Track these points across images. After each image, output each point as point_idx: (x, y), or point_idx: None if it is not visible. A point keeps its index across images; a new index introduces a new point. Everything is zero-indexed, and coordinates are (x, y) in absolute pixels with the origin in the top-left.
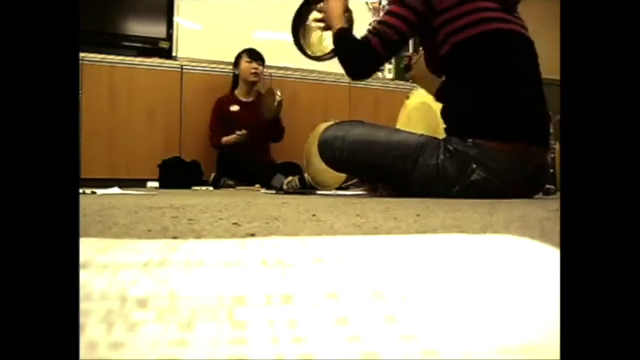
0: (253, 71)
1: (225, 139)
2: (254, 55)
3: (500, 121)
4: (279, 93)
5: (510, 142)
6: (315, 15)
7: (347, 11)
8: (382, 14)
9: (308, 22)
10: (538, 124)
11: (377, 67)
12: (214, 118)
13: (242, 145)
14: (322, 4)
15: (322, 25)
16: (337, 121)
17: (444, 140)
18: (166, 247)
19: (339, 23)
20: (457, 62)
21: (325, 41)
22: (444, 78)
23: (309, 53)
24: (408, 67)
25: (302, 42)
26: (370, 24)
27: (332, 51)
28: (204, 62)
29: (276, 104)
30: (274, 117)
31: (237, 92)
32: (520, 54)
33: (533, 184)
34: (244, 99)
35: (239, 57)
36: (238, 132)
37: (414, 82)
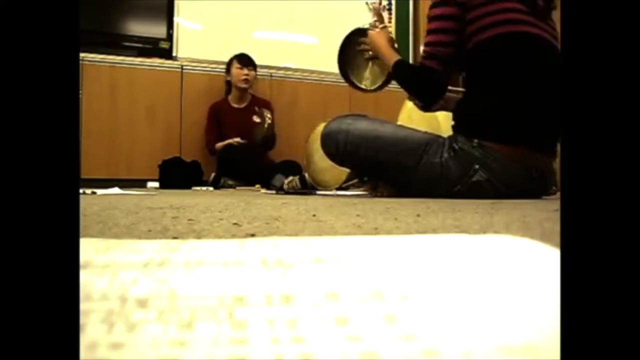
0: (243, 77)
1: (218, 145)
2: (244, 61)
3: (508, 124)
4: (268, 115)
5: (516, 146)
6: (360, 47)
7: (391, 41)
8: (381, 14)
9: (353, 58)
10: (547, 131)
11: (443, 85)
12: (209, 124)
13: (241, 146)
14: (363, 38)
15: (371, 55)
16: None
17: (449, 137)
18: (166, 247)
19: (391, 53)
20: (477, 60)
21: (375, 72)
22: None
23: (362, 87)
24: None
25: (352, 77)
26: (369, 24)
27: (385, 81)
28: (204, 62)
29: (266, 126)
30: (265, 137)
31: (230, 98)
32: (540, 60)
33: (536, 188)
34: (236, 105)
35: (229, 63)
36: (236, 140)
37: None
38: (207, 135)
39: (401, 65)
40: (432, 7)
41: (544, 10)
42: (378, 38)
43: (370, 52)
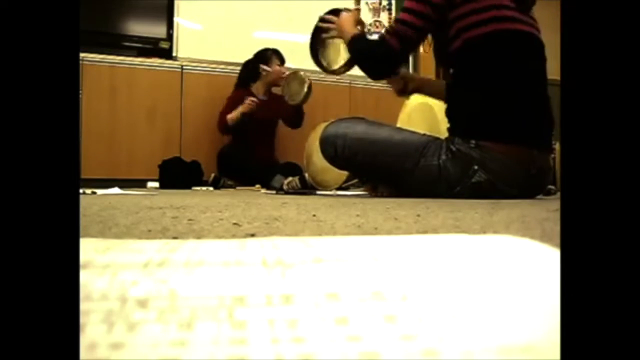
0: (283, 75)
1: (229, 116)
2: (283, 59)
3: (504, 123)
4: (305, 76)
5: (513, 145)
6: (324, 25)
7: (360, 23)
8: (382, 13)
9: (323, 40)
10: (542, 128)
11: (396, 63)
12: (228, 106)
13: (244, 144)
14: (330, 17)
15: (333, 34)
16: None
17: (446, 139)
18: (166, 247)
19: (350, 30)
20: (467, 59)
21: (338, 52)
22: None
23: (329, 69)
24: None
25: (322, 61)
26: (369, 24)
27: (348, 62)
28: (204, 62)
29: (306, 88)
30: (303, 102)
31: (253, 87)
32: (530, 56)
33: (534, 186)
34: (260, 96)
35: (267, 57)
36: (250, 99)
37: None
38: (221, 116)
39: (357, 38)
40: None
41: (529, 4)
42: (345, 19)
43: (333, 33)
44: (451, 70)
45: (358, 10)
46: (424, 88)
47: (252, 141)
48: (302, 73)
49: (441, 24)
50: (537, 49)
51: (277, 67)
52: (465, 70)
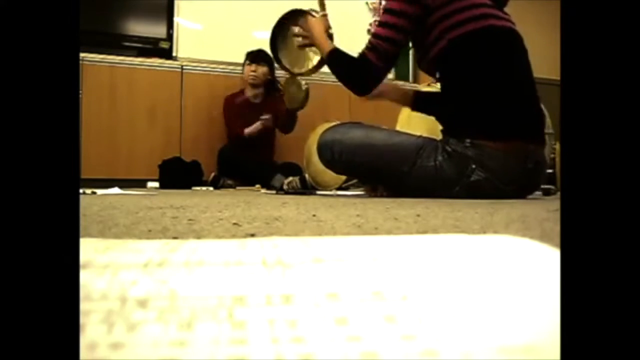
0: (251, 74)
1: (247, 130)
2: (254, 57)
3: (497, 120)
4: (303, 81)
5: (508, 141)
6: (295, 30)
7: (328, 29)
8: (381, 13)
9: (287, 39)
10: (533, 120)
11: (378, 79)
12: (227, 114)
13: (245, 144)
14: (300, 21)
15: (304, 42)
16: (338, 122)
17: (440, 141)
18: (166, 247)
19: (325, 41)
20: (452, 59)
21: (309, 58)
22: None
23: (293, 71)
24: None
25: (283, 61)
26: (370, 24)
27: (315, 67)
28: (204, 62)
29: (304, 92)
30: (301, 107)
31: (246, 92)
32: (513, 51)
33: (532, 180)
34: (253, 100)
35: (244, 60)
36: (262, 117)
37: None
38: (229, 125)
39: (336, 53)
40: None
41: (504, 1)
42: (316, 26)
43: (302, 39)
44: (437, 74)
45: (325, 15)
46: (387, 93)
47: (251, 141)
48: (298, 78)
49: (420, 32)
50: (518, 43)
51: (246, 67)
52: (452, 70)
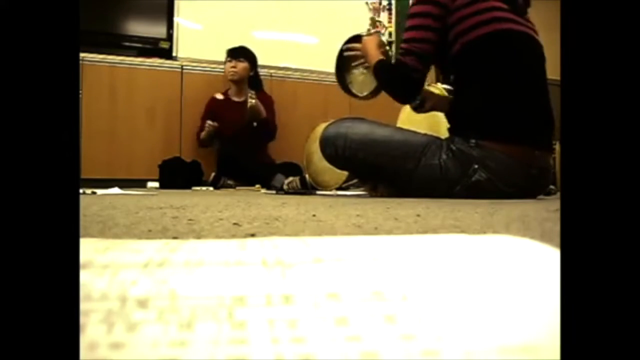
0: (230, 69)
1: (202, 135)
2: (232, 53)
3: (505, 123)
4: (252, 97)
5: (514, 145)
6: (350, 52)
7: (382, 46)
8: (382, 13)
9: (349, 66)
10: (542, 127)
11: (418, 82)
12: (203, 115)
13: (241, 145)
14: (353, 45)
15: (360, 61)
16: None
17: (446, 139)
18: (166, 247)
19: (375, 56)
20: (466, 61)
21: (367, 78)
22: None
23: (355, 93)
24: (421, 104)
25: (351, 88)
26: (369, 24)
27: (377, 87)
28: (204, 62)
29: (249, 107)
30: (250, 121)
31: (229, 91)
32: (529, 57)
33: (535, 186)
34: (235, 98)
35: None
36: (209, 122)
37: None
38: (201, 124)
39: (379, 64)
40: (413, 4)
41: (523, 7)
42: (367, 44)
43: (360, 60)
44: (452, 77)
45: (377, 32)
46: (440, 106)
47: (251, 141)
48: (250, 93)
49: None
50: (535, 49)
51: (226, 64)
52: (465, 73)
